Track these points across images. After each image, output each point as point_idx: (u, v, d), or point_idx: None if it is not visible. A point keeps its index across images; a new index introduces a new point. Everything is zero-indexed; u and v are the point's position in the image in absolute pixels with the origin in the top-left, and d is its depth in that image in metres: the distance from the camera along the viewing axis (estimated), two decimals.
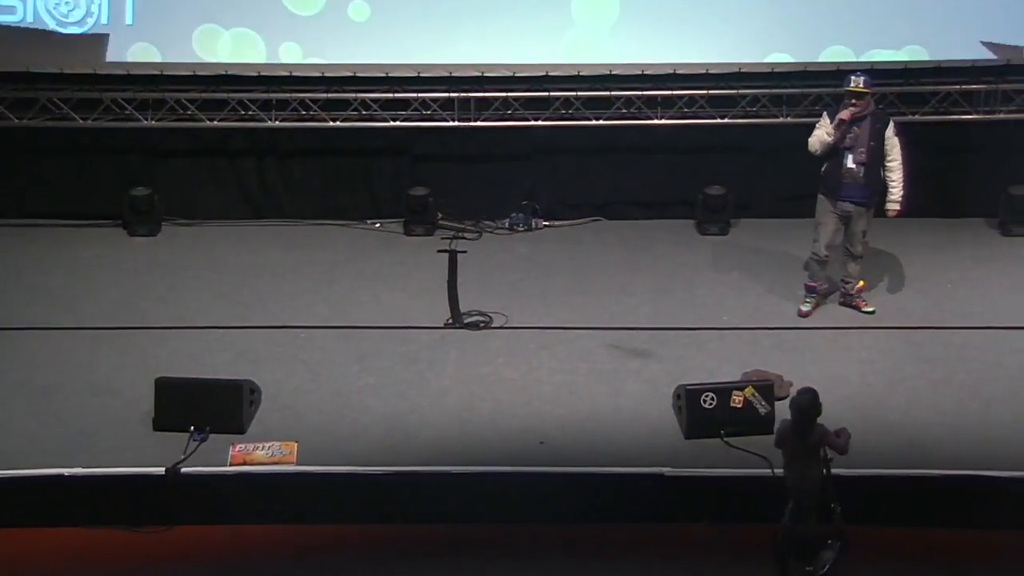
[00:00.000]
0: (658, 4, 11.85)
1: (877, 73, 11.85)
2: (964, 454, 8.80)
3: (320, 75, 12.03)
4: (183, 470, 8.66)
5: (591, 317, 10.76)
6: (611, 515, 8.65)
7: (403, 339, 10.40)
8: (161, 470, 8.64)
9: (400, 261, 11.88)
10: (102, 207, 12.50)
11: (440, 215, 12.51)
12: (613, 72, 12.03)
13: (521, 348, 10.26)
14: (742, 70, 11.96)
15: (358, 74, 12.01)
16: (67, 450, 8.87)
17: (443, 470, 8.70)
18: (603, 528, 8.61)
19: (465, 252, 10.66)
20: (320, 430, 9.17)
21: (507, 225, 12.64)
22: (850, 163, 10.27)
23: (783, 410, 8.84)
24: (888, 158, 10.32)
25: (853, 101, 10.21)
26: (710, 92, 12.05)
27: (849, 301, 10.75)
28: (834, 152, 10.29)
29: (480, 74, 12.05)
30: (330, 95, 12.13)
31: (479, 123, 12.25)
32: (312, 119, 12.21)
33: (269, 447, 8.85)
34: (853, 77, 10.31)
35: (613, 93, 12.12)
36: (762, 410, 9.01)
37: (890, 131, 10.32)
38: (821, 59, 11.84)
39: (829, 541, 7.90)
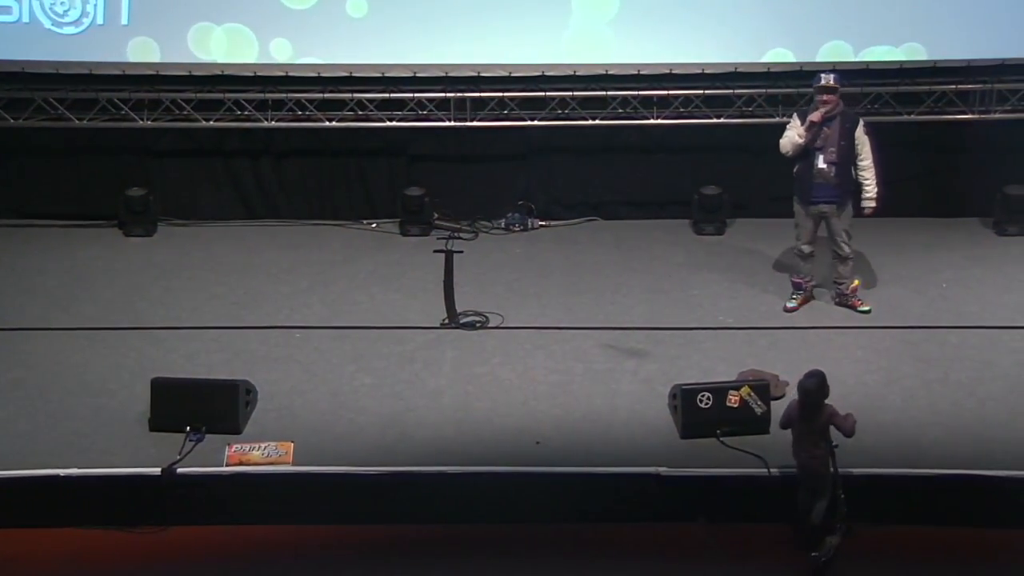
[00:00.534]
0: (655, 4, 11.84)
1: (873, 73, 11.92)
2: (959, 453, 8.80)
3: (316, 75, 12.03)
4: (179, 470, 8.65)
5: (587, 317, 10.76)
6: (607, 515, 8.64)
7: (399, 339, 10.40)
8: (157, 470, 8.63)
9: (396, 261, 11.89)
10: (98, 207, 12.51)
11: (436, 215, 12.52)
12: (609, 72, 12.04)
13: (517, 348, 10.26)
14: (738, 70, 11.97)
15: (354, 74, 12.01)
16: (63, 450, 8.86)
17: (439, 470, 8.69)
18: (599, 528, 8.60)
19: (461, 252, 10.66)
20: (316, 430, 9.17)
21: (503, 225, 12.65)
22: (821, 163, 10.33)
23: (779, 410, 8.86)
24: (859, 157, 10.37)
25: (824, 99, 10.24)
26: (706, 92, 12.06)
27: (844, 301, 10.77)
28: (805, 153, 10.35)
29: (476, 74, 12.05)
30: (326, 95, 12.13)
31: (475, 123, 12.26)
32: (308, 119, 12.21)
33: (265, 447, 8.84)
34: (823, 74, 10.37)
35: (609, 93, 12.13)
36: (758, 410, 9.01)
37: (860, 130, 10.36)
38: (820, 54, 11.83)
39: (838, 526, 7.99)
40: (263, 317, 10.79)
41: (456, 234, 11.68)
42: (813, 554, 8.01)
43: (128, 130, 12.25)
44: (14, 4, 11.85)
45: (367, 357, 10.13)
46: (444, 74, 12.06)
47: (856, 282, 10.77)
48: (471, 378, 9.85)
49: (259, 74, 12.02)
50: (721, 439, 8.93)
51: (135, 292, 11.25)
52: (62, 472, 8.62)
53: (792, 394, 9.06)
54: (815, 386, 8.10)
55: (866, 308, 10.70)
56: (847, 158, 10.35)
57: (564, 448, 8.96)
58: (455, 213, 12.58)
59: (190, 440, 8.91)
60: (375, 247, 12.25)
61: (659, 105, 12.14)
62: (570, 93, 12.14)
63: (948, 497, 8.56)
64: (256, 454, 8.79)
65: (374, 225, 12.69)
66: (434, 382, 9.81)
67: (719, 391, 9.03)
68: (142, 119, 12.13)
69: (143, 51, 11.90)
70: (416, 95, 12.15)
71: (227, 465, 8.74)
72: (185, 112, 12.15)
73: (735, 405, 9.00)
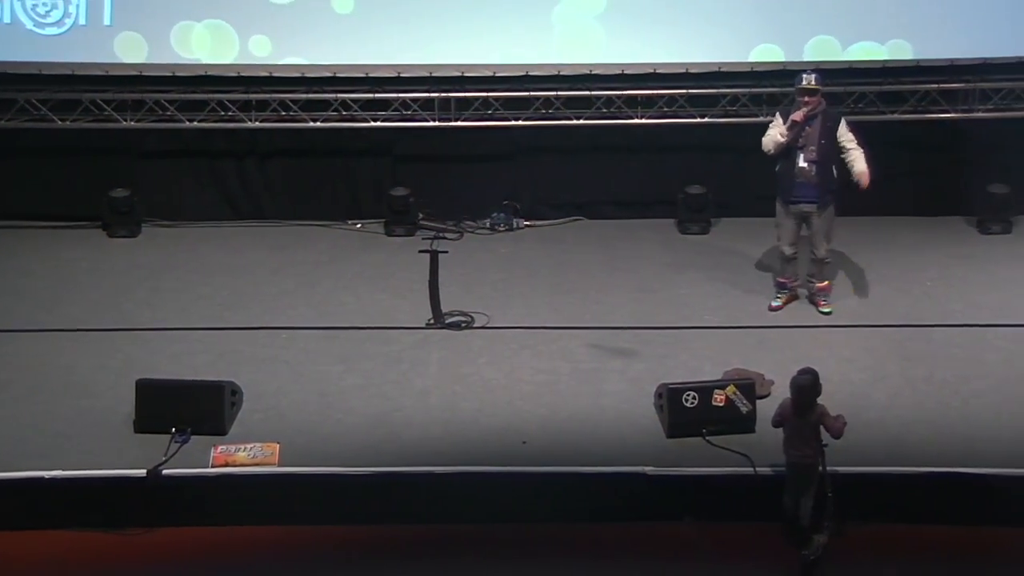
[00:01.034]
0: (639, 3, 11.84)
1: (856, 72, 11.93)
2: (945, 451, 8.83)
3: (300, 75, 12.01)
4: (165, 472, 8.63)
5: (573, 317, 10.77)
6: (593, 514, 8.64)
7: (385, 339, 10.39)
8: (143, 472, 8.61)
9: (382, 262, 11.87)
10: (82, 208, 12.45)
11: (421, 215, 12.51)
12: (594, 72, 12.04)
13: (503, 348, 10.26)
14: (722, 69, 11.98)
15: (338, 74, 11.99)
16: (48, 452, 8.83)
17: (426, 470, 8.69)
18: (585, 528, 8.61)
19: (446, 252, 10.66)
20: (303, 431, 9.15)
21: (488, 225, 12.64)
22: (802, 162, 10.34)
23: (764, 408, 8.89)
24: (844, 148, 10.34)
25: (806, 99, 10.27)
26: (690, 91, 12.07)
27: (811, 299, 10.81)
28: (787, 152, 10.37)
29: (461, 74, 12.05)
30: (310, 95, 12.11)
31: (460, 123, 12.24)
32: (292, 119, 12.18)
33: (251, 448, 8.83)
34: (804, 75, 10.37)
35: (594, 93, 12.13)
36: (744, 408, 9.03)
37: (843, 127, 10.39)
38: (807, 49, 11.85)
39: (826, 524, 8.01)
40: (248, 318, 10.77)
41: (441, 234, 11.68)
42: (803, 552, 8.04)
43: (112, 131, 12.20)
44: None
45: (353, 358, 10.12)
46: (428, 74, 12.05)
47: (826, 283, 10.79)
48: (457, 378, 9.85)
49: (243, 74, 11.98)
50: (707, 438, 8.94)
51: (120, 293, 11.22)
52: (47, 474, 8.59)
53: (777, 393, 9.09)
54: (808, 383, 8.14)
55: (827, 310, 10.72)
56: (828, 157, 10.37)
57: (551, 448, 8.97)
58: (440, 213, 12.56)
59: (175, 441, 8.89)
60: (360, 247, 12.23)
61: (644, 105, 12.14)
62: (555, 93, 12.14)
63: (933, 495, 8.59)
64: (242, 455, 8.78)
65: (359, 225, 12.67)
66: (421, 382, 9.80)
67: (705, 390, 9.05)
68: (126, 120, 12.09)
69: (126, 51, 11.86)
70: (401, 95, 12.13)
71: (213, 466, 8.73)
72: (169, 113, 12.11)
73: (721, 404, 9.02)
